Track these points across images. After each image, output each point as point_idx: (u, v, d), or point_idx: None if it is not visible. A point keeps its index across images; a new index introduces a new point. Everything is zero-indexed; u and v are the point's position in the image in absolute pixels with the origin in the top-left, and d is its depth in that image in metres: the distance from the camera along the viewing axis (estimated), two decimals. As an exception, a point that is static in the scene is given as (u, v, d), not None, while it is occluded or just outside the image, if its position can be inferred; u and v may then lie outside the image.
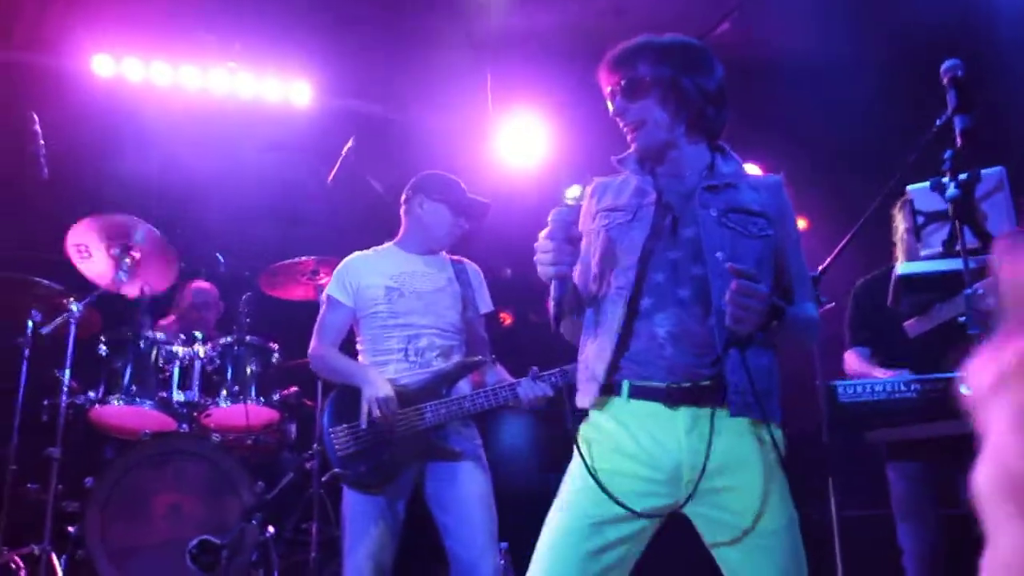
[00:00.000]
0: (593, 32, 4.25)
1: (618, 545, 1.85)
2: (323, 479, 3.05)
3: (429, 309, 3.13)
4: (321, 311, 3.26)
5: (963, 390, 0.69)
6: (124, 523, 3.63)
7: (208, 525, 3.67)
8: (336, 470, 2.97)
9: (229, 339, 4.14)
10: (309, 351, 3.20)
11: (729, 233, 1.91)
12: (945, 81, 2.27)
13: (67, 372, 3.75)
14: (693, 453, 1.82)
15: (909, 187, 2.54)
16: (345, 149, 4.21)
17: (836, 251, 2.78)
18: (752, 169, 4.87)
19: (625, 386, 1.90)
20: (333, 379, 3.15)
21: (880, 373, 3.07)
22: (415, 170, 3.38)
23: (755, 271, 1.82)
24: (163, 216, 5.16)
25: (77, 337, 3.81)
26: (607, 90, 2.04)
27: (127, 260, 4.00)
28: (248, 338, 4.14)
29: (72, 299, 3.83)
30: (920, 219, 2.45)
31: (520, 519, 2.87)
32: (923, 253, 2.48)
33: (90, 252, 4.04)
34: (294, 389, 4.25)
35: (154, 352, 4.01)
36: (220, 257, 4.73)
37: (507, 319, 6.02)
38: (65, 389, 3.74)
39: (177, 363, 4.03)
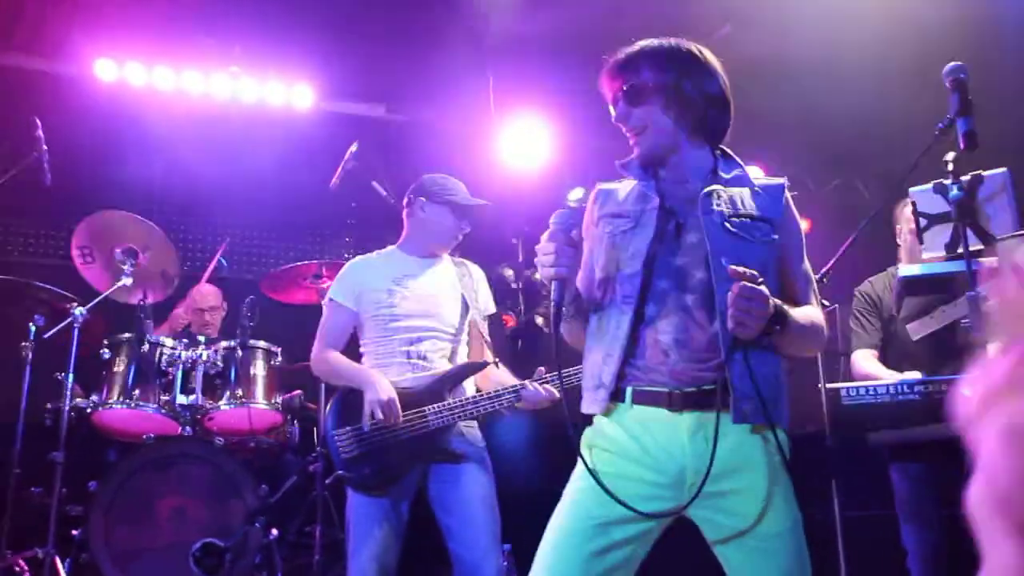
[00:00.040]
0: (595, 34, 4.24)
1: (622, 546, 1.85)
2: (327, 481, 3.06)
3: (431, 311, 3.14)
4: (324, 315, 3.26)
5: (964, 391, 0.70)
6: (128, 526, 3.63)
7: (212, 528, 3.67)
8: (340, 472, 2.98)
9: (232, 342, 4.14)
10: (312, 354, 3.20)
11: (733, 238, 1.91)
12: (948, 84, 2.27)
13: (70, 376, 3.75)
14: (697, 457, 1.83)
15: (911, 189, 2.54)
16: (348, 153, 4.21)
17: (839, 254, 2.78)
18: (755, 172, 4.90)
19: (629, 392, 1.90)
20: (336, 382, 3.15)
21: (887, 375, 3.07)
22: (417, 173, 3.39)
23: (757, 273, 1.82)
24: (166, 220, 5.18)
25: (80, 341, 3.81)
26: (609, 95, 2.04)
27: (129, 264, 4.00)
28: (251, 341, 4.14)
29: (75, 304, 3.84)
30: (923, 221, 2.45)
31: (523, 520, 2.87)
32: (926, 255, 2.48)
33: (94, 256, 4.05)
34: (297, 392, 4.25)
35: (157, 356, 4.01)
36: (223, 261, 4.73)
37: (509, 321, 6.02)
38: (68, 393, 3.74)
39: (180, 367, 4.03)
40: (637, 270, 1.92)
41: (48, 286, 3.89)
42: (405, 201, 3.32)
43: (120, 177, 4.98)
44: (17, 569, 3.63)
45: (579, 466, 1.93)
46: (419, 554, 3.31)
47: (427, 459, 3.01)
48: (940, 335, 2.71)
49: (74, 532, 3.61)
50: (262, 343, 4.19)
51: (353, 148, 4.24)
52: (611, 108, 2.04)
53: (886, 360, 3.29)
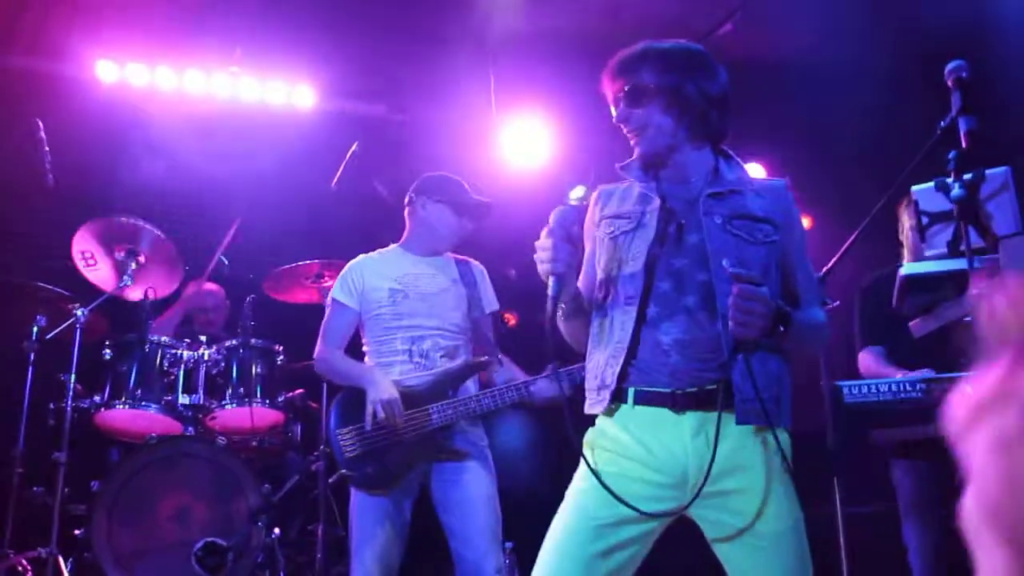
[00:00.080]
0: (596, 33, 4.24)
1: (623, 547, 1.85)
2: (330, 480, 3.06)
3: (434, 310, 3.14)
4: (326, 314, 3.26)
5: (954, 404, 0.72)
6: (130, 526, 3.64)
7: (214, 527, 3.68)
8: (343, 471, 2.98)
9: (234, 342, 4.15)
10: (315, 354, 3.20)
11: (734, 240, 1.92)
12: (950, 82, 2.27)
13: (72, 376, 3.75)
14: (699, 457, 1.83)
15: (913, 188, 2.53)
16: (349, 152, 4.22)
17: (841, 251, 2.78)
18: (755, 170, 4.89)
19: (631, 393, 1.90)
20: (338, 381, 3.15)
21: (894, 373, 3.06)
22: (419, 172, 3.39)
23: (757, 275, 1.82)
24: (168, 220, 5.17)
25: (82, 341, 3.82)
26: (610, 96, 2.04)
27: (132, 265, 4.01)
28: (253, 341, 4.14)
29: (77, 304, 3.84)
30: (924, 219, 2.45)
31: (525, 518, 2.87)
32: (928, 253, 2.48)
33: (95, 259, 4.05)
34: (299, 391, 4.25)
35: (159, 356, 4.01)
36: (224, 260, 4.73)
37: (511, 320, 6.03)
38: (70, 393, 3.75)
39: (182, 366, 4.03)
40: (638, 270, 1.92)
41: (50, 286, 3.89)
42: (407, 200, 3.32)
43: (122, 177, 4.98)
44: (20, 569, 3.64)
45: (581, 466, 1.93)
46: (422, 552, 3.31)
47: (429, 458, 3.02)
48: (942, 333, 2.71)
49: (77, 532, 3.61)
50: (264, 342, 4.19)
51: (354, 147, 4.25)
52: (612, 109, 2.04)
53: (891, 358, 3.29)
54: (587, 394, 2.00)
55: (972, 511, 0.68)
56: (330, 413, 3.08)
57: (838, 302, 2.98)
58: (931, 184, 2.38)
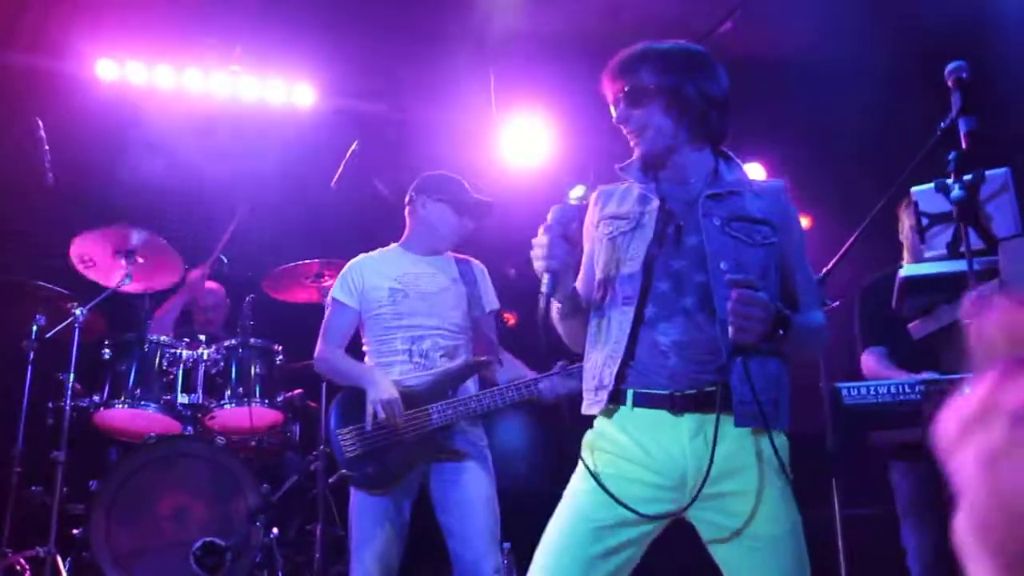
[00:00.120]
0: (596, 32, 4.24)
1: (621, 549, 1.85)
2: (330, 480, 3.06)
3: (434, 309, 3.13)
4: (326, 314, 3.26)
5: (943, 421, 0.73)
6: (129, 526, 3.64)
7: (212, 527, 3.67)
8: (344, 471, 2.98)
9: (233, 341, 4.14)
10: (315, 353, 3.20)
11: (732, 241, 1.91)
12: (950, 83, 2.27)
13: (71, 376, 3.75)
14: (698, 458, 1.83)
15: (913, 188, 2.53)
16: (349, 152, 4.21)
17: (841, 252, 2.78)
18: (755, 169, 4.89)
19: (629, 395, 1.90)
20: (339, 381, 3.15)
21: (897, 375, 3.05)
22: (419, 171, 3.38)
23: (755, 280, 1.82)
24: (167, 218, 5.17)
25: (81, 341, 3.82)
26: (610, 97, 2.03)
27: (130, 266, 4.01)
28: (252, 340, 4.14)
29: (76, 303, 3.84)
30: (924, 220, 2.44)
31: (523, 519, 2.87)
32: (927, 255, 2.48)
33: (94, 261, 4.05)
34: (298, 391, 4.25)
35: (158, 355, 4.01)
36: (224, 258, 4.73)
37: (511, 319, 6.02)
38: (69, 392, 3.75)
39: (181, 366, 4.03)
40: (636, 271, 1.92)
41: (49, 285, 3.89)
42: (407, 199, 3.32)
43: (121, 176, 4.98)
44: (18, 568, 3.64)
45: (579, 467, 1.93)
46: (420, 553, 3.31)
47: (429, 458, 3.01)
48: (941, 334, 2.71)
49: (75, 531, 3.61)
50: (263, 342, 4.18)
51: (354, 146, 4.24)
52: (612, 109, 2.03)
53: (892, 359, 3.28)
54: (584, 394, 2.00)
55: (963, 527, 0.69)
56: (330, 413, 3.07)
57: (837, 302, 2.98)
58: (931, 185, 2.38)
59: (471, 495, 2.99)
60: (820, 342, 2.05)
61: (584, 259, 2.09)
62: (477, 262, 3.36)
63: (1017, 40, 4.18)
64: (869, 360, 3.34)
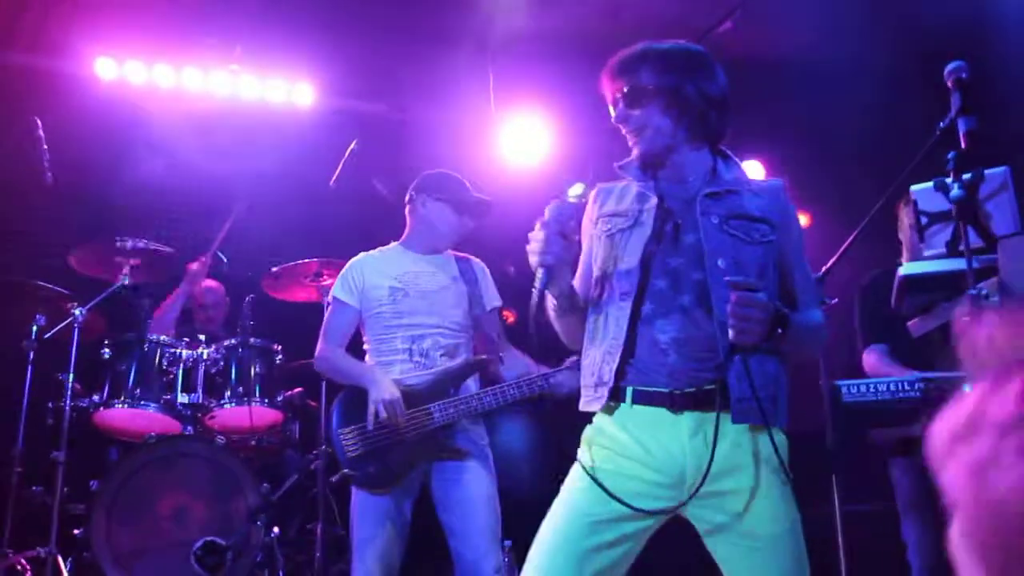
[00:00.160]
0: (595, 31, 4.24)
1: (617, 544, 1.85)
2: (332, 480, 3.06)
3: (434, 308, 3.14)
4: (327, 313, 3.26)
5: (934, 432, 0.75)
6: (129, 525, 3.64)
7: (213, 527, 3.67)
8: (346, 471, 2.98)
9: (233, 341, 4.14)
10: (316, 352, 3.20)
11: (731, 240, 1.92)
12: (950, 83, 2.27)
13: (71, 375, 3.75)
14: (697, 456, 1.83)
15: (912, 187, 2.53)
16: (348, 151, 4.21)
17: (840, 251, 2.78)
18: (755, 168, 4.89)
19: (629, 392, 1.90)
20: (339, 380, 3.15)
21: (900, 372, 3.05)
22: (418, 170, 3.38)
23: (754, 281, 1.82)
24: (167, 218, 5.17)
25: (81, 341, 3.82)
26: (609, 96, 2.04)
27: (130, 266, 4.02)
28: (252, 340, 4.14)
29: (76, 303, 3.84)
30: (924, 219, 2.45)
31: (524, 517, 2.87)
32: (927, 253, 2.48)
33: (94, 263, 4.07)
34: (298, 390, 4.25)
35: (158, 355, 4.01)
36: (223, 257, 4.73)
37: (510, 317, 6.02)
38: (69, 392, 3.75)
39: (181, 365, 4.03)
40: (634, 266, 1.93)
41: (49, 285, 3.89)
42: (407, 198, 3.32)
43: (121, 176, 4.97)
44: (19, 568, 3.64)
45: (577, 463, 1.94)
46: (421, 552, 3.31)
47: (430, 457, 3.02)
48: (941, 332, 2.71)
49: (76, 531, 3.61)
50: (263, 342, 4.19)
51: (353, 145, 4.24)
52: (611, 109, 2.04)
53: (893, 356, 3.29)
54: (583, 391, 2.00)
55: (955, 537, 0.70)
56: (332, 413, 3.07)
57: (836, 300, 2.98)
58: (930, 184, 2.38)
59: (472, 494, 2.99)
60: (819, 341, 2.06)
61: (582, 257, 2.09)
62: (477, 260, 3.36)
63: (1017, 40, 4.18)
64: (870, 358, 3.35)
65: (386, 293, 3.14)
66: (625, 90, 1.98)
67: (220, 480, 3.78)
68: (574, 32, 4.62)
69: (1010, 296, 2.15)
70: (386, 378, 2.99)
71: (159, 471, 3.75)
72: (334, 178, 4.27)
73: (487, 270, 3.37)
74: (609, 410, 1.93)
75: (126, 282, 4.01)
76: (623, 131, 2.03)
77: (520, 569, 3.67)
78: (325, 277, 4.05)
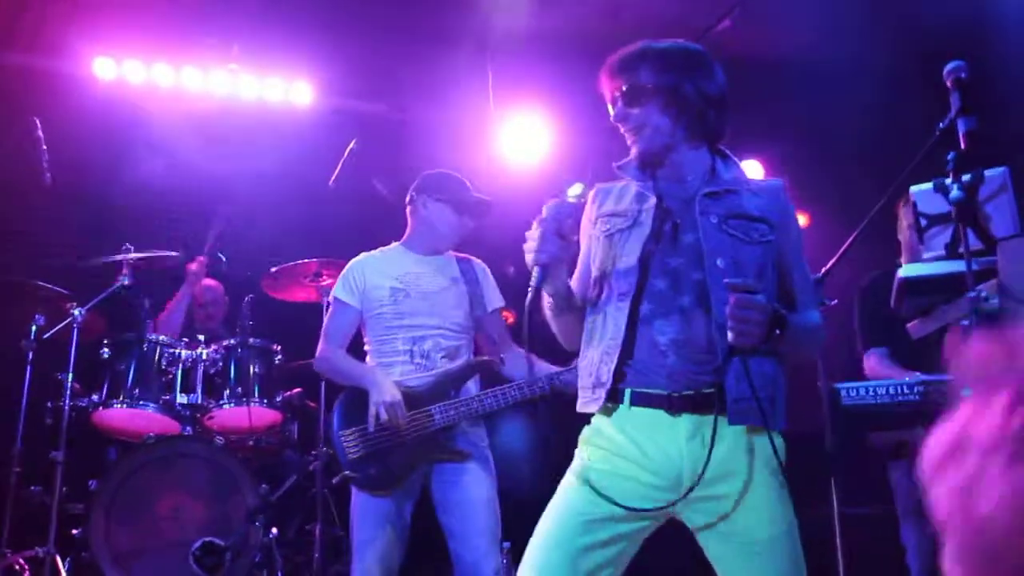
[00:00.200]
0: (594, 31, 4.23)
1: (610, 544, 1.85)
2: (333, 481, 3.05)
3: (435, 309, 3.13)
4: (328, 313, 3.25)
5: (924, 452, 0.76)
6: (128, 525, 3.64)
7: (212, 527, 3.67)
8: (347, 473, 2.97)
9: (232, 341, 4.14)
10: (316, 353, 3.19)
11: (730, 239, 1.91)
12: (949, 83, 2.27)
13: (70, 375, 3.75)
14: (694, 460, 1.83)
15: (912, 188, 2.53)
16: (347, 150, 4.21)
17: (840, 252, 2.78)
18: (754, 167, 4.88)
19: (627, 394, 1.90)
20: (340, 381, 3.14)
21: (901, 375, 3.04)
22: (418, 170, 3.38)
23: (753, 283, 1.81)
24: (166, 218, 5.17)
25: (80, 340, 3.82)
26: (608, 95, 2.03)
27: (129, 267, 4.02)
28: (251, 340, 4.14)
29: (75, 303, 3.84)
30: (923, 221, 2.44)
31: (523, 518, 2.87)
32: (926, 255, 2.47)
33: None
34: (297, 391, 4.24)
35: (157, 355, 4.01)
36: (222, 257, 4.73)
37: (509, 317, 6.01)
38: (68, 392, 3.74)
39: (180, 366, 4.03)
40: (633, 266, 1.92)
41: (48, 285, 3.89)
42: (408, 199, 3.31)
43: (120, 175, 4.97)
44: (17, 568, 3.64)
45: (574, 463, 1.94)
46: (421, 553, 3.31)
47: (431, 459, 3.01)
48: (940, 335, 2.71)
49: (74, 531, 3.61)
50: (262, 342, 4.18)
51: (352, 145, 4.24)
52: (610, 108, 2.03)
53: (894, 359, 3.28)
54: (580, 392, 2.00)
55: (946, 558, 0.71)
56: (332, 414, 3.07)
57: (836, 301, 2.98)
58: (930, 185, 2.37)
59: (472, 496, 2.99)
60: (817, 342, 2.05)
61: (581, 257, 2.09)
62: (478, 261, 3.36)
63: (1017, 40, 4.17)
64: (871, 361, 3.34)
65: (387, 294, 3.13)
66: (624, 89, 1.98)
67: (219, 480, 3.78)
68: (574, 32, 4.61)
69: (1009, 299, 2.15)
70: (387, 380, 2.98)
71: (158, 471, 3.75)
72: (333, 178, 4.26)
73: (488, 271, 3.36)
74: (607, 411, 1.93)
75: (126, 282, 4.00)
76: (622, 130, 2.02)
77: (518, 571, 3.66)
78: (324, 277, 4.04)
